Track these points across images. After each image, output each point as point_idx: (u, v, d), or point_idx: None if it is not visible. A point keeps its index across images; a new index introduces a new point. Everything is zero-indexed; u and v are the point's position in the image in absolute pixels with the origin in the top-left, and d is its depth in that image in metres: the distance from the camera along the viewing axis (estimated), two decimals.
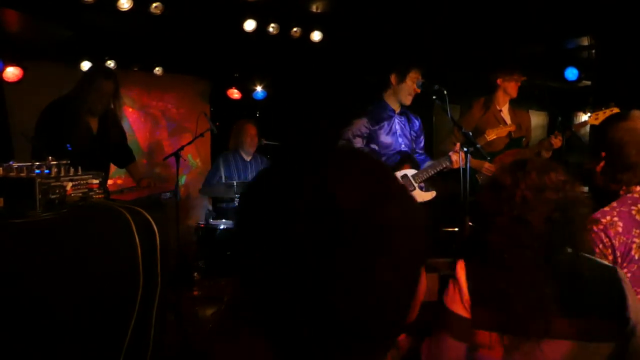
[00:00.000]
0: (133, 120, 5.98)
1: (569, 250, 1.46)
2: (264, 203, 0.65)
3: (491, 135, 3.54)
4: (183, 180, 6.02)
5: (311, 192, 0.62)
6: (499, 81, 4.12)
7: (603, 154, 1.90)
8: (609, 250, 1.74)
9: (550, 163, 1.53)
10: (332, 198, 0.61)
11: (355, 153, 0.72)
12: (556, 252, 1.44)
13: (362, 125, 3.64)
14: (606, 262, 1.56)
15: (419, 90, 3.58)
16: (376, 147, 3.64)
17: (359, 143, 3.63)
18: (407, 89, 3.61)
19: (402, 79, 3.63)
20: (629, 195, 1.86)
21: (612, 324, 1.40)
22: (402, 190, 0.69)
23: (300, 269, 0.61)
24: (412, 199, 0.70)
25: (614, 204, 1.84)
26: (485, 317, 1.41)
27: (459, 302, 1.45)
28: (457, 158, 3.38)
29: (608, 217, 1.78)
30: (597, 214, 1.79)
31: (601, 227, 1.76)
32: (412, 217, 0.67)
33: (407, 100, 3.65)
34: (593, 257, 1.53)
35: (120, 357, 1.72)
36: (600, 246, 1.74)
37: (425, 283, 0.68)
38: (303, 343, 0.64)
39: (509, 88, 4.07)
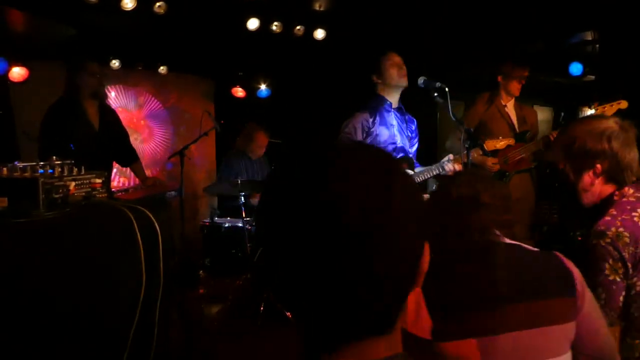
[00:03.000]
0: (137, 119, 6.00)
1: (499, 239, 1.47)
2: (277, 204, 0.71)
3: (489, 147, 3.49)
4: None
5: (317, 190, 0.67)
6: (499, 79, 4.11)
7: (598, 166, 1.83)
8: (620, 264, 1.68)
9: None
10: (339, 196, 0.66)
11: (361, 146, 0.76)
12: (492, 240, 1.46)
13: (363, 118, 3.63)
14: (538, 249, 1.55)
15: (404, 72, 3.54)
16: (374, 140, 3.63)
17: (359, 136, 3.62)
18: (390, 74, 3.57)
19: (380, 72, 3.62)
20: (624, 199, 1.81)
21: (566, 301, 1.40)
22: (405, 178, 0.73)
23: (320, 254, 0.66)
24: (414, 185, 0.75)
25: (613, 211, 1.78)
26: (451, 324, 1.39)
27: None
28: (452, 169, 3.37)
29: (613, 229, 1.71)
30: (601, 226, 1.74)
31: (608, 240, 1.70)
32: (416, 203, 0.72)
33: (400, 81, 3.59)
34: (526, 245, 1.53)
35: (124, 355, 1.74)
36: (610, 261, 1.69)
37: (428, 256, 0.73)
38: (326, 323, 0.69)
39: (509, 86, 4.05)
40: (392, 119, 3.66)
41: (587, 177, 1.86)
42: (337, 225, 0.65)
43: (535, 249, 1.51)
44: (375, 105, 3.64)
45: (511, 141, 3.64)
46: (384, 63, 3.58)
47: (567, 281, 1.42)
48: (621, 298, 1.69)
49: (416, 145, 3.83)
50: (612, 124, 1.83)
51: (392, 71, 3.56)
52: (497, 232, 1.48)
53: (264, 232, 0.73)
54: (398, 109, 3.69)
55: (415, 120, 3.82)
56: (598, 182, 1.86)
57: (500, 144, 3.50)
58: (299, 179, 0.70)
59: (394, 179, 0.70)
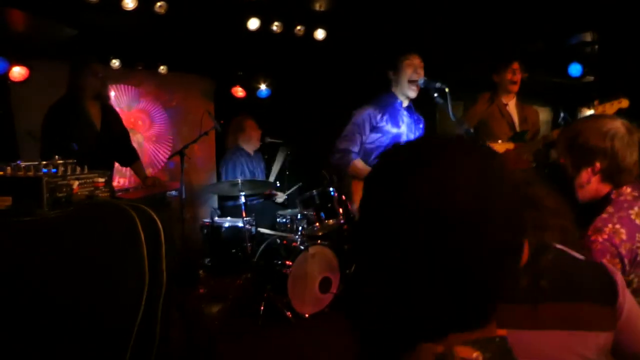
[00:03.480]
0: (137, 119, 6.01)
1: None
2: (382, 200, 0.71)
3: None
4: None
5: (427, 189, 0.67)
6: (494, 78, 4.13)
7: (598, 164, 1.85)
8: (617, 260, 1.71)
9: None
10: (448, 196, 0.66)
11: (466, 144, 0.75)
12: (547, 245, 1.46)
13: (371, 113, 3.63)
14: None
15: (420, 75, 3.54)
16: (380, 136, 3.63)
17: (366, 129, 3.62)
18: (405, 77, 3.57)
19: (396, 69, 3.62)
20: (621, 198, 1.82)
21: (605, 309, 1.39)
22: (505, 170, 0.73)
23: (422, 261, 0.67)
24: (515, 177, 0.75)
25: (610, 209, 1.80)
26: None
27: None
28: None
29: (610, 226, 1.74)
30: (597, 223, 1.76)
31: (605, 236, 1.72)
32: (517, 197, 0.73)
33: (411, 91, 3.60)
34: (577, 254, 1.51)
35: (127, 355, 1.74)
36: (608, 257, 1.70)
37: (527, 250, 0.75)
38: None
39: (503, 83, 4.07)
40: (402, 117, 3.67)
41: (585, 173, 1.88)
42: (441, 220, 0.65)
43: (583, 257, 1.50)
44: (386, 102, 3.65)
45: (510, 145, 3.65)
46: (401, 62, 3.58)
47: (610, 289, 1.41)
48: None
49: None
50: (619, 124, 1.84)
51: (407, 72, 3.57)
52: (549, 235, 1.47)
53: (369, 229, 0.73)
54: (408, 108, 3.70)
55: (422, 118, 3.83)
56: (595, 180, 1.87)
57: (499, 147, 3.50)
58: (403, 174, 0.70)
59: (499, 176, 0.70)
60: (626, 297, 1.42)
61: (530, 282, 1.36)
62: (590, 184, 1.88)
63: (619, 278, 1.43)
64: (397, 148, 0.75)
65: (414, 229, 0.66)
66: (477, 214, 0.66)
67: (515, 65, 4.05)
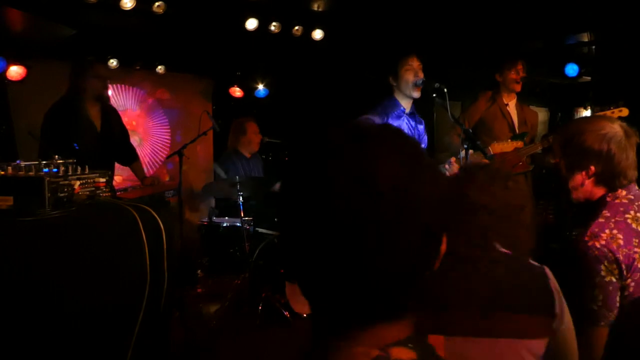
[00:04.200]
0: (135, 119, 6.00)
1: (499, 249, 1.47)
2: (307, 179, 0.71)
3: (496, 149, 3.46)
4: None
5: (353, 169, 0.68)
6: (497, 78, 4.13)
7: (592, 168, 1.83)
8: (614, 266, 1.70)
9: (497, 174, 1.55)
10: (373, 175, 0.67)
11: (389, 130, 0.77)
12: (485, 249, 1.45)
13: (372, 121, 3.61)
14: (535, 262, 1.54)
15: (420, 77, 3.51)
16: None
17: None
18: (406, 80, 3.53)
19: (396, 73, 3.58)
20: (617, 201, 1.82)
21: (541, 319, 1.42)
22: (432, 164, 0.75)
23: (342, 238, 0.67)
24: (441, 172, 0.77)
25: (607, 213, 1.79)
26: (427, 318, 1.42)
27: None
28: (452, 172, 3.35)
29: (607, 231, 1.73)
30: (594, 228, 1.75)
31: (603, 242, 1.71)
32: (440, 189, 0.73)
33: (414, 92, 3.54)
34: (523, 257, 1.53)
35: (129, 353, 1.75)
36: (606, 262, 1.69)
37: (444, 246, 0.75)
38: (341, 305, 0.70)
39: (507, 82, 4.07)
40: (403, 124, 3.64)
41: (579, 176, 1.87)
42: (347, 210, 0.66)
43: (527, 262, 1.51)
44: (388, 109, 3.61)
45: (520, 144, 3.62)
46: (400, 67, 3.51)
47: (547, 300, 1.43)
48: (618, 298, 1.70)
49: (425, 145, 3.82)
50: (617, 127, 1.83)
51: (407, 77, 3.52)
52: (494, 240, 1.48)
53: (284, 214, 0.74)
54: (410, 114, 3.67)
55: (423, 121, 3.81)
56: (589, 182, 1.86)
57: (508, 146, 3.47)
58: (315, 163, 0.71)
59: (415, 167, 0.71)
60: (564, 312, 1.44)
61: (468, 290, 1.38)
62: (585, 186, 1.87)
63: (557, 292, 1.45)
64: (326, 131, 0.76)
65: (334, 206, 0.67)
66: (396, 196, 0.67)
67: (520, 65, 4.05)
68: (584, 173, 1.86)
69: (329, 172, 0.68)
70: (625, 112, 3.54)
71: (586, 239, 1.75)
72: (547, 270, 1.50)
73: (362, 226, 0.66)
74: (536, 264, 1.53)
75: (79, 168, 1.96)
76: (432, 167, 0.74)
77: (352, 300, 0.69)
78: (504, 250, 1.48)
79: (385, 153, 0.70)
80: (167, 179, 5.88)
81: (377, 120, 3.59)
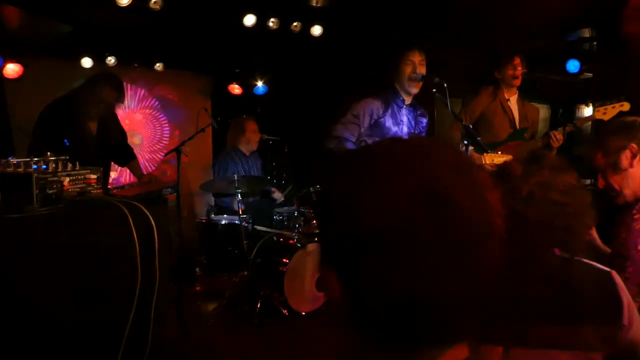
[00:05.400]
0: (133, 117, 5.98)
1: (562, 254, 1.39)
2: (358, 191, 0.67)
3: (487, 160, 3.43)
4: None
5: (415, 182, 0.64)
6: (496, 74, 4.10)
7: (634, 145, 1.79)
8: None
9: (565, 164, 1.43)
10: (439, 188, 0.64)
11: (447, 146, 0.74)
12: (544, 254, 1.37)
13: (375, 106, 3.55)
14: (601, 266, 1.46)
15: (421, 72, 3.47)
16: (379, 132, 3.57)
17: (366, 122, 3.56)
18: (403, 73, 3.51)
19: (395, 68, 3.56)
20: None
21: (605, 330, 1.34)
22: (489, 182, 0.72)
23: (400, 253, 0.63)
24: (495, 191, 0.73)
25: None
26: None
27: None
28: None
29: None
30: None
31: None
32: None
33: (412, 87, 3.53)
34: (588, 261, 1.44)
35: (119, 351, 1.72)
36: None
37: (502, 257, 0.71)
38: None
39: (505, 77, 4.04)
40: (403, 115, 3.62)
41: (624, 158, 1.82)
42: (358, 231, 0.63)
43: (591, 265, 1.43)
44: (389, 98, 3.59)
45: (509, 157, 3.58)
46: (400, 61, 3.52)
47: (614, 310, 1.35)
48: None
49: None
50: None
51: (405, 70, 3.50)
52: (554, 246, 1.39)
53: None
54: (410, 105, 3.65)
55: (427, 114, 3.78)
56: (636, 162, 1.81)
57: (498, 159, 3.45)
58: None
59: (470, 180, 0.68)
60: (633, 318, 1.36)
61: (529, 298, 1.31)
62: (634, 167, 1.81)
63: (625, 297, 1.37)
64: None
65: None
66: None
67: (517, 61, 4.02)
68: (627, 152, 1.81)
69: (391, 186, 0.65)
70: (626, 106, 3.52)
71: (634, 212, 1.74)
72: (615, 275, 1.41)
73: (427, 243, 0.63)
74: (602, 267, 1.44)
75: (70, 164, 1.93)
76: (489, 180, 0.71)
77: (415, 322, 0.65)
78: (562, 254, 1.40)
79: (443, 166, 0.67)
80: (166, 175, 5.86)
81: (379, 107, 3.55)
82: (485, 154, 3.41)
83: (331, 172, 0.74)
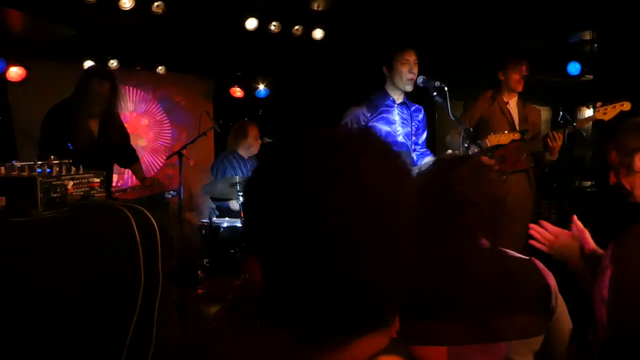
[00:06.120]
0: (135, 119, 5.99)
1: (483, 244, 1.43)
2: (284, 178, 0.68)
3: (492, 141, 3.42)
4: None
5: (335, 169, 0.66)
6: (500, 76, 4.09)
7: None
8: None
9: (485, 167, 1.52)
10: (356, 175, 0.65)
11: (369, 135, 0.75)
12: (470, 238, 1.41)
13: (360, 113, 3.58)
14: (521, 255, 1.51)
15: (415, 72, 3.48)
16: None
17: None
18: (400, 73, 3.52)
19: (390, 65, 3.57)
20: None
21: (540, 316, 1.40)
22: (407, 165, 0.73)
23: (322, 240, 0.64)
24: (413, 178, 0.75)
25: None
26: (420, 329, 1.34)
27: None
28: None
29: None
30: None
31: None
32: (414, 195, 0.71)
33: (407, 85, 3.53)
34: (508, 250, 1.49)
35: (122, 354, 1.73)
36: None
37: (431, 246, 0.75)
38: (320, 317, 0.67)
39: (510, 81, 4.03)
40: (395, 115, 3.62)
41: (638, 159, 1.80)
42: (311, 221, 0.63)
43: (515, 256, 1.48)
44: (377, 101, 3.60)
45: (516, 135, 3.57)
46: (396, 58, 3.52)
47: (544, 296, 1.42)
48: None
49: (424, 135, 3.76)
50: None
51: (402, 70, 3.52)
52: (481, 237, 1.44)
53: (260, 217, 0.70)
54: (402, 104, 3.66)
55: (422, 108, 3.77)
56: None
57: (504, 138, 3.43)
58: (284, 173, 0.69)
59: (395, 168, 0.69)
60: (558, 301, 1.43)
61: (461, 294, 1.34)
62: None
63: (552, 281, 1.43)
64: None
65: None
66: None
67: (524, 67, 4.00)
68: None
69: (310, 172, 0.66)
70: (627, 106, 3.52)
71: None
72: (537, 261, 1.48)
73: (344, 228, 0.63)
74: (523, 256, 1.50)
75: (73, 168, 1.94)
76: (408, 168, 0.73)
77: (337, 309, 0.65)
78: (488, 245, 1.44)
79: (365, 153, 0.68)
80: (168, 178, 5.87)
81: (365, 112, 3.57)
82: (490, 136, 3.42)
83: (263, 165, 0.76)
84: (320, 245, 0.64)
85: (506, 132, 3.55)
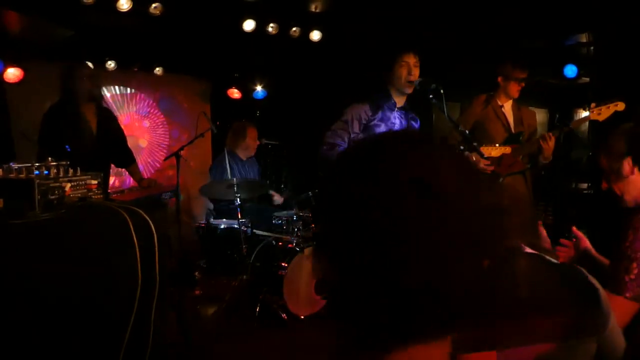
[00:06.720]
0: (133, 121, 5.99)
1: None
2: (358, 180, 0.67)
3: (484, 153, 3.44)
4: None
5: (411, 171, 0.65)
6: (499, 80, 4.10)
7: None
8: None
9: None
10: (434, 179, 0.64)
11: (444, 144, 0.75)
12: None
13: (363, 110, 3.58)
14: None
15: (415, 74, 3.48)
16: (370, 134, 3.58)
17: (356, 127, 3.58)
18: (399, 76, 3.52)
19: (390, 70, 3.57)
20: None
21: (590, 318, 1.37)
22: (480, 172, 0.74)
23: (387, 243, 0.63)
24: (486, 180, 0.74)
25: None
26: (470, 335, 1.37)
27: None
28: None
29: None
30: None
31: None
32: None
33: (406, 88, 3.53)
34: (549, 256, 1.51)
35: (120, 355, 1.74)
36: None
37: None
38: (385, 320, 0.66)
39: (508, 88, 4.04)
40: (395, 118, 3.63)
41: (627, 164, 1.83)
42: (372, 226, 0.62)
43: (558, 262, 1.47)
44: (380, 101, 3.60)
45: (507, 149, 3.60)
46: (395, 63, 3.52)
47: (594, 297, 1.38)
48: None
49: None
50: None
51: (400, 72, 3.52)
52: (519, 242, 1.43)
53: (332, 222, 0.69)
54: (402, 109, 3.66)
55: (418, 120, 3.79)
56: (638, 170, 1.83)
57: (495, 151, 3.46)
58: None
59: (469, 174, 0.69)
60: (610, 306, 1.39)
61: (510, 296, 1.35)
62: (635, 175, 1.83)
63: (599, 285, 1.40)
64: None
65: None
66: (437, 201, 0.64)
67: (525, 75, 4.01)
68: (630, 160, 1.82)
69: (385, 174, 0.65)
70: (621, 106, 3.54)
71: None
72: (582, 269, 1.44)
73: (412, 232, 0.62)
74: (567, 264, 1.50)
75: (71, 170, 1.95)
76: (480, 175, 0.72)
77: (396, 314, 0.64)
78: (531, 250, 1.45)
79: (443, 157, 0.68)
80: (166, 179, 5.88)
81: (367, 110, 3.57)
82: (482, 147, 3.43)
83: (339, 166, 0.74)
84: (405, 250, 0.63)
85: (497, 145, 3.57)
